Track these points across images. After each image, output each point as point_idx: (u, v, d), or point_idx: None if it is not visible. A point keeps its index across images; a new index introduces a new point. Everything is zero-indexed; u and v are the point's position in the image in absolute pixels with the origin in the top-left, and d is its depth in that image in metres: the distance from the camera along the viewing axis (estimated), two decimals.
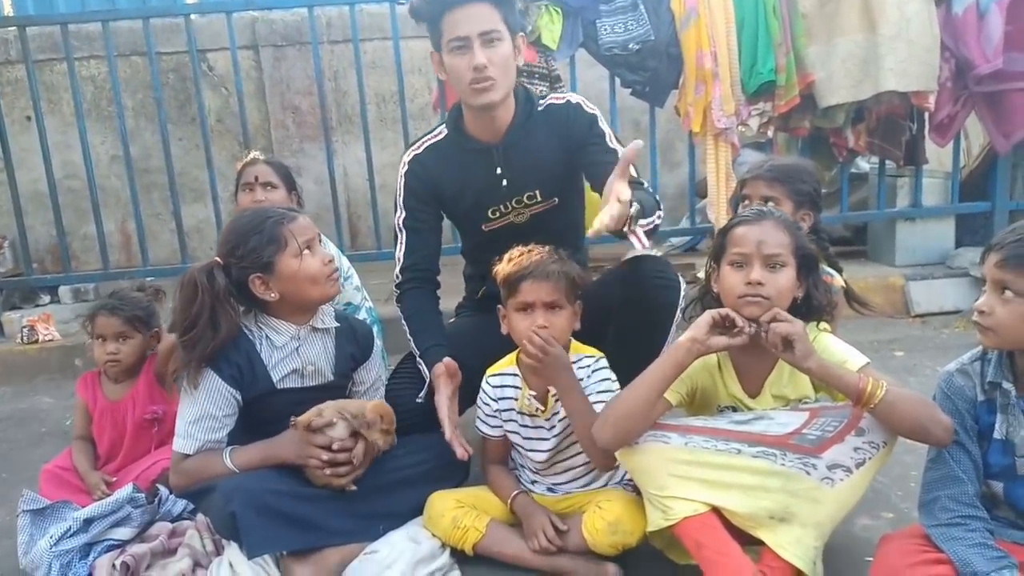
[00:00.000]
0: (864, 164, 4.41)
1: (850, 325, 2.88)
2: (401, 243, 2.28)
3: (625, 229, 1.78)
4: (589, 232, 1.71)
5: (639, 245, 1.81)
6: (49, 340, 3.80)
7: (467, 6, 2.01)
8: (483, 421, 2.02)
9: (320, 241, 2.00)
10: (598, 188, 2.16)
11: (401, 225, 2.28)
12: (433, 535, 1.90)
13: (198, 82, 4.06)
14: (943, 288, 3.80)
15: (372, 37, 4.92)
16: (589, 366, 1.90)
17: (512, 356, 1.99)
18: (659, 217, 2.04)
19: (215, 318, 1.86)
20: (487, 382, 2.01)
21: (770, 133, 3.75)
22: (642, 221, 1.85)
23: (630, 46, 3.55)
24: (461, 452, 1.95)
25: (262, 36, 5.24)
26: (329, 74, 5.21)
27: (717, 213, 3.70)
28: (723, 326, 1.64)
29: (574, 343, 1.94)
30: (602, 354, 1.94)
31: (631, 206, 1.74)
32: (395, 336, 3.12)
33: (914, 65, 3.49)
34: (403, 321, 2.26)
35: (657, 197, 2.10)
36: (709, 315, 1.65)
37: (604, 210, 1.69)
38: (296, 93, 5.34)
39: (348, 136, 5.41)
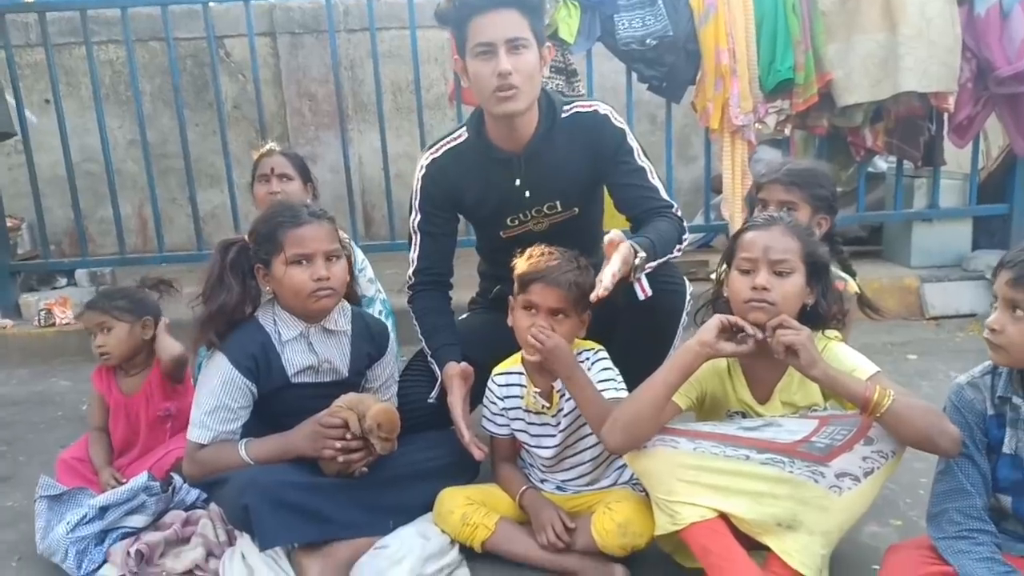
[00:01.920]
0: (881, 163, 4.38)
1: (864, 327, 2.87)
2: (416, 245, 2.28)
3: (630, 279, 1.81)
4: (592, 296, 1.72)
5: (641, 294, 1.84)
6: (66, 323, 3.82)
7: (495, 12, 1.98)
8: (490, 420, 2.04)
9: (334, 256, 1.96)
10: (621, 209, 2.21)
11: (416, 228, 2.27)
12: (442, 531, 1.92)
13: (215, 69, 4.08)
14: (958, 291, 3.78)
15: (389, 26, 4.93)
16: (588, 359, 1.92)
17: (517, 355, 2.00)
18: (679, 250, 2.09)
19: (220, 285, 1.93)
20: (493, 381, 2.03)
21: (787, 131, 3.74)
22: (649, 265, 1.88)
23: (647, 41, 3.53)
24: (479, 454, 1.98)
25: (279, 23, 5.25)
26: (345, 63, 5.21)
27: (732, 210, 3.69)
28: (731, 331, 1.65)
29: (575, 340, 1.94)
30: (601, 346, 1.95)
31: (635, 257, 1.79)
32: (408, 328, 3.14)
33: (934, 65, 3.46)
34: (415, 321, 2.28)
35: (684, 224, 2.13)
36: (717, 319, 1.65)
37: (605, 269, 1.73)
38: (312, 81, 5.35)
39: (364, 125, 5.42)
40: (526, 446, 2.00)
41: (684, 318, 2.16)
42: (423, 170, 2.24)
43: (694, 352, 1.65)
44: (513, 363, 2.01)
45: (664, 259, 2.00)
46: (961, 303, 3.77)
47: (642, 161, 2.18)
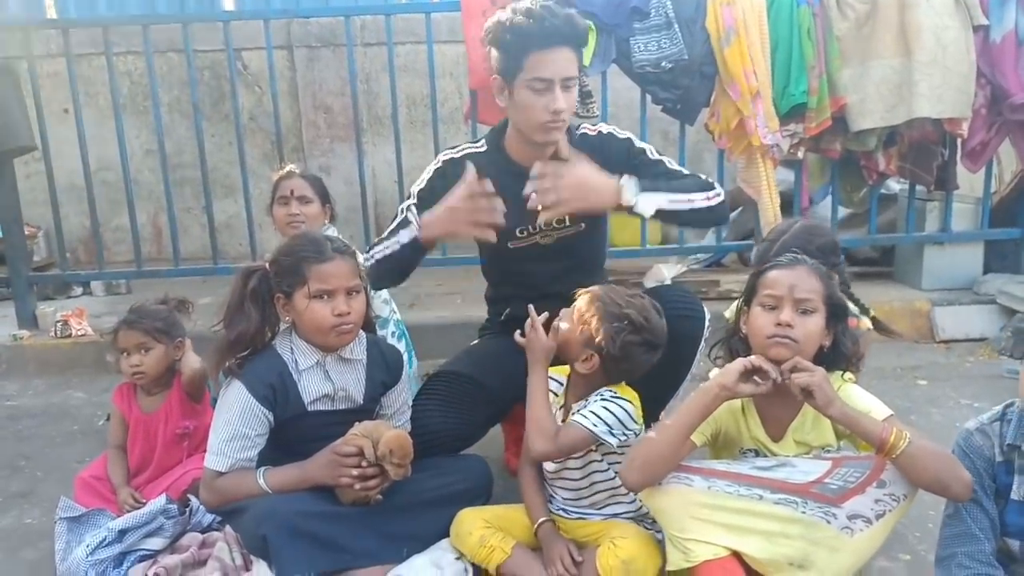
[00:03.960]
0: (894, 185, 4.39)
1: (874, 350, 2.89)
2: (396, 224, 2.24)
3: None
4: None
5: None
6: (82, 335, 3.86)
7: (556, 50, 2.04)
8: None
9: (355, 291, 1.98)
10: None
11: (403, 210, 2.26)
12: (459, 552, 1.95)
13: (234, 81, 4.11)
14: (969, 314, 3.79)
15: (405, 40, 4.95)
16: (602, 395, 1.90)
17: (567, 367, 2.01)
18: (707, 200, 2.18)
19: (240, 313, 1.95)
20: None
21: (800, 154, 3.74)
22: (657, 198, 2.09)
23: (663, 64, 3.55)
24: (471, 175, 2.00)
25: (297, 37, 5.29)
26: (361, 76, 5.24)
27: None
28: (751, 373, 1.68)
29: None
30: (629, 397, 1.92)
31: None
32: (421, 343, 3.19)
33: (949, 91, 3.47)
34: (378, 256, 2.21)
35: (715, 185, 2.21)
36: (740, 363, 1.67)
37: None
38: (328, 94, 5.39)
39: (378, 138, 5.45)
40: None
41: (702, 344, 2.19)
42: (439, 164, 2.29)
43: (713, 394, 1.68)
44: (563, 371, 2.03)
45: (679, 198, 2.13)
46: (971, 327, 3.77)
47: (657, 155, 2.27)
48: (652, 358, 1.89)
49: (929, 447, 1.59)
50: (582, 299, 1.91)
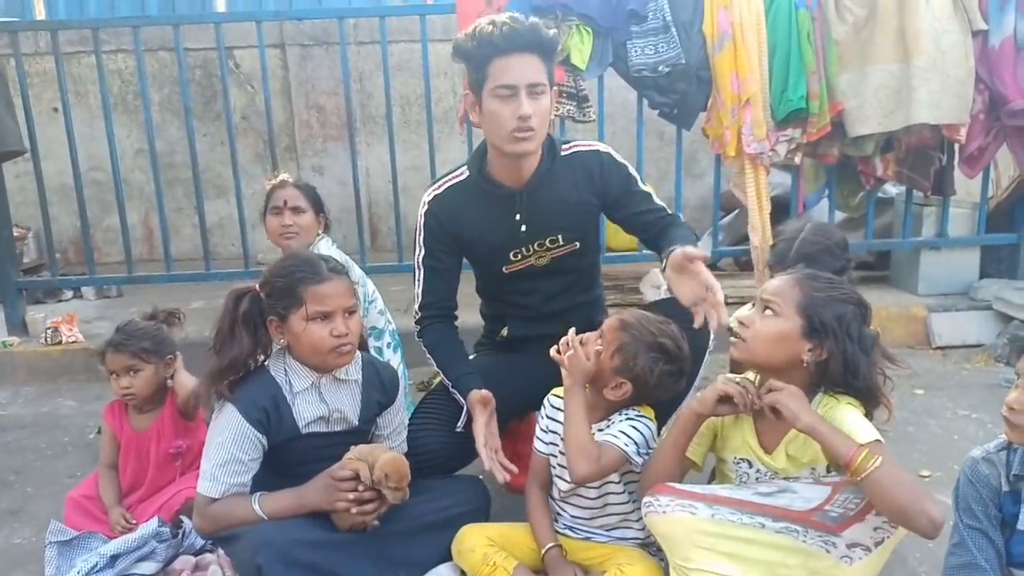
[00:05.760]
0: (891, 188, 4.36)
1: None
2: (420, 280, 2.30)
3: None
4: (715, 328, 1.85)
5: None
6: (73, 342, 3.81)
7: (518, 55, 2.00)
8: (538, 436, 2.05)
9: (351, 312, 1.95)
10: (636, 232, 2.31)
11: (420, 263, 2.29)
12: (461, 571, 1.94)
13: (225, 81, 4.05)
14: (966, 321, 3.77)
15: (399, 39, 4.91)
16: (627, 414, 1.90)
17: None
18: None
19: (231, 338, 1.91)
20: (549, 400, 2.04)
21: (797, 159, 3.71)
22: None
23: (660, 68, 3.51)
24: (500, 477, 1.99)
25: (289, 35, 5.24)
26: (355, 75, 5.20)
27: (759, 239, 3.62)
28: (727, 399, 1.71)
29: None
30: (650, 415, 1.91)
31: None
32: (416, 351, 3.15)
33: (947, 97, 3.45)
34: (428, 354, 2.30)
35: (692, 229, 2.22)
36: (716, 392, 1.71)
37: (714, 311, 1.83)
38: (321, 93, 5.35)
39: (372, 137, 5.41)
40: (553, 470, 2.00)
41: (707, 356, 2.20)
42: (426, 206, 2.27)
43: (692, 420, 1.75)
44: None
45: None
46: (968, 334, 3.75)
47: (645, 187, 2.28)
48: (680, 386, 1.89)
49: (900, 477, 1.52)
50: (610, 326, 1.87)
